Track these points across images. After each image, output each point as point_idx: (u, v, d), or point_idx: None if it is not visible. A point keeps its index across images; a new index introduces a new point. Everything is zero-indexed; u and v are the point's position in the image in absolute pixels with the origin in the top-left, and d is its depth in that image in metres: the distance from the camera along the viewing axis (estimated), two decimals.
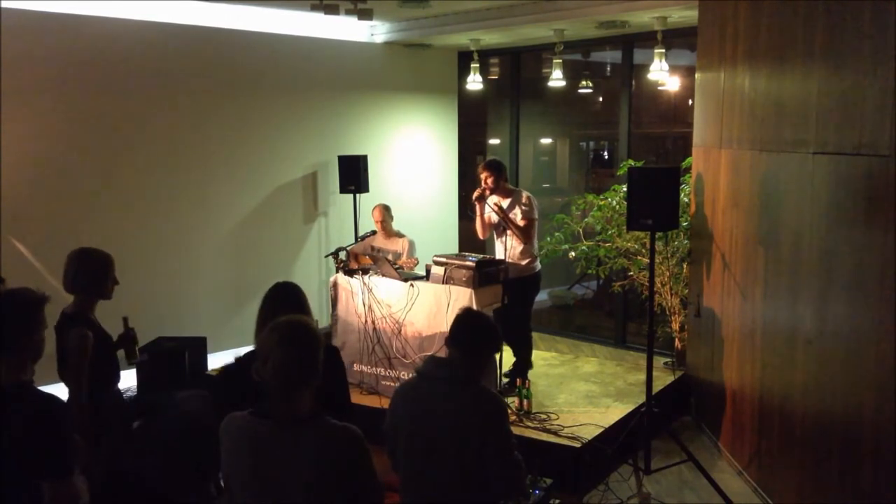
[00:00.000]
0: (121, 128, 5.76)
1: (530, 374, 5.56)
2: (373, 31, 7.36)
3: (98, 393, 3.27)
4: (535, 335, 5.79)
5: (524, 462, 2.77)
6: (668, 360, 6.23)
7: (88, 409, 3.15)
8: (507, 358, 5.50)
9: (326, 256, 6.46)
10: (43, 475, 2.17)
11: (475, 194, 5.44)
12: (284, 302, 2.96)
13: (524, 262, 5.41)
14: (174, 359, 4.96)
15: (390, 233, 6.10)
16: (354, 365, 5.57)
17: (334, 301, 5.75)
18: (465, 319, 2.85)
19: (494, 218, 5.45)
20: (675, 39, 6.55)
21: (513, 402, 5.11)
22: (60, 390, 3.00)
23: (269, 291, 3.05)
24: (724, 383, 4.98)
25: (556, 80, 6.82)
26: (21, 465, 2.16)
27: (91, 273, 3.34)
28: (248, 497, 2.14)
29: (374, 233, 6.04)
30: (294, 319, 2.18)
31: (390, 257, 5.67)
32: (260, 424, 2.11)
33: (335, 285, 5.74)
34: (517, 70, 7.85)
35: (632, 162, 6.13)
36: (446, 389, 2.70)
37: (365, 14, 5.58)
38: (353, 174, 6.86)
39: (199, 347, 5.26)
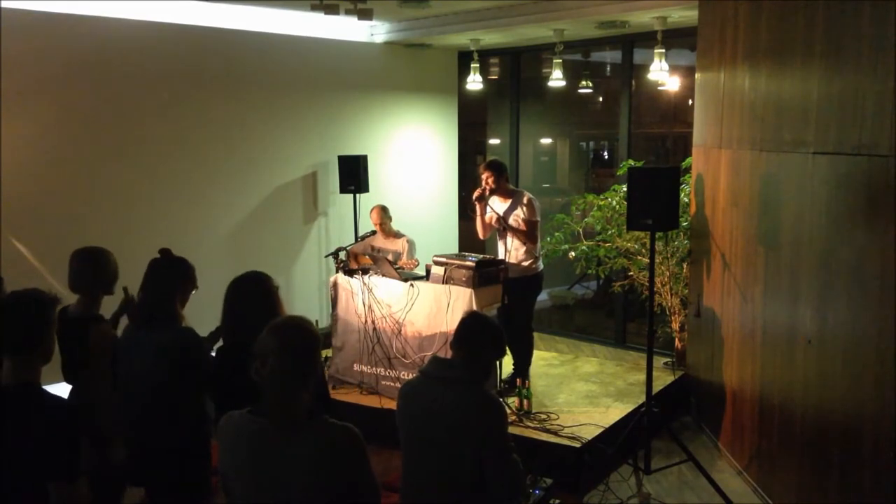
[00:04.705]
0: (121, 128, 5.76)
1: (530, 373, 5.56)
2: (373, 31, 7.36)
3: None
4: (535, 335, 5.78)
5: (524, 462, 2.77)
6: (668, 360, 6.23)
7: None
8: (507, 360, 5.49)
9: (326, 256, 6.46)
10: (51, 477, 2.17)
11: (475, 194, 5.43)
12: (245, 299, 2.93)
13: (526, 263, 5.40)
14: None
15: (389, 233, 6.10)
16: (354, 365, 5.57)
17: (334, 301, 5.74)
18: (470, 322, 2.84)
19: (495, 219, 5.45)
20: (675, 39, 6.55)
21: (513, 402, 5.11)
22: (61, 390, 2.99)
23: (228, 287, 2.99)
24: (724, 383, 4.98)
25: (556, 80, 6.81)
26: (29, 467, 2.16)
27: (101, 271, 3.35)
28: (245, 496, 2.14)
29: (374, 233, 6.03)
30: (292, 321, 2.19)
31: (390, 257, 5.67)
32: (258, 423, 2.12)
33: (335, 285, 5.73)
34: (517, 70, 7.86)
35: (632, 162, 6.13)
36: (447, 390, 2.70)
37: (365, 14, 5.57)
38: (353, 174, 6.86)
39: None
